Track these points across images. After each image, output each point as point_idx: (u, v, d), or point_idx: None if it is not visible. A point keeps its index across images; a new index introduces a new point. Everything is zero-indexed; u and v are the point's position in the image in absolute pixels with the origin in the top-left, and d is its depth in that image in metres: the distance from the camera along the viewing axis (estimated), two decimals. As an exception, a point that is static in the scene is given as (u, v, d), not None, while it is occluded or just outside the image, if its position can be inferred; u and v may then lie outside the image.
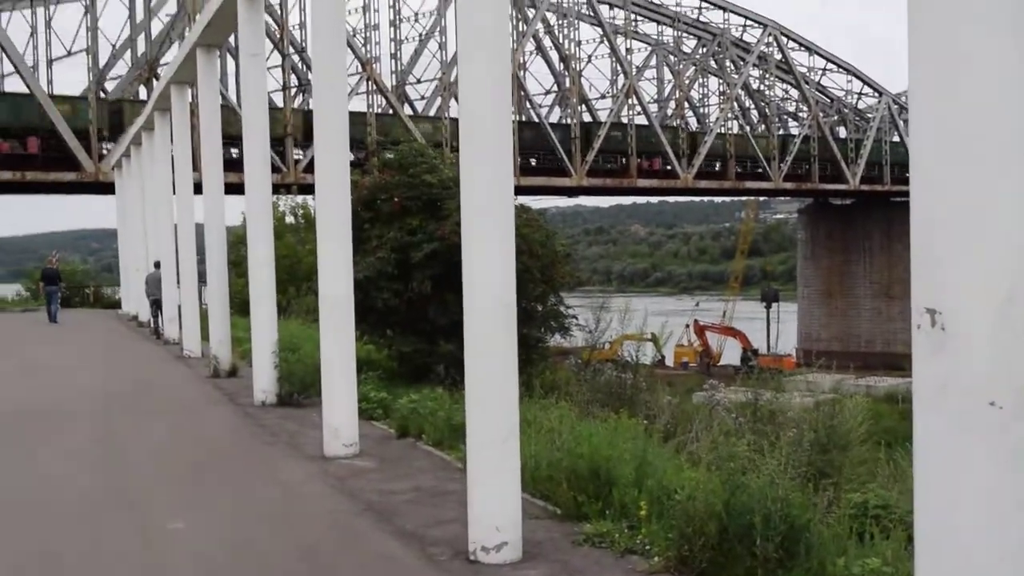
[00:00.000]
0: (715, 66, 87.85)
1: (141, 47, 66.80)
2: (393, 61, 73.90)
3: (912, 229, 3.74)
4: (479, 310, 7.33)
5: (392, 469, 10.53)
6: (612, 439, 8.96)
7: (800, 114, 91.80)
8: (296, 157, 62.36)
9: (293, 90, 66.61)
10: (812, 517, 6.90)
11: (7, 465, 11.62)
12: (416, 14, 76.87)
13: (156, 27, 67.34)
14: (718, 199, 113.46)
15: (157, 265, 29.60)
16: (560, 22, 76.69)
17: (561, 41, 76.82)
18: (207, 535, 8.43)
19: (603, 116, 79.68)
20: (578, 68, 79.06)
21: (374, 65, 66.76)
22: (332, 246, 11.02)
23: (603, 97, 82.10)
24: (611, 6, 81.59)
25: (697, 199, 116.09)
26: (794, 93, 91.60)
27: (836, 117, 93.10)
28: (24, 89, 60.71)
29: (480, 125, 7.32)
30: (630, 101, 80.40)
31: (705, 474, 7.63)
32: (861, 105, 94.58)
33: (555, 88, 78.34)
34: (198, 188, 21.80)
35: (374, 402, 13.22)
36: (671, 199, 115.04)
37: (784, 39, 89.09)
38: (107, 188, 54.75)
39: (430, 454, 11.16)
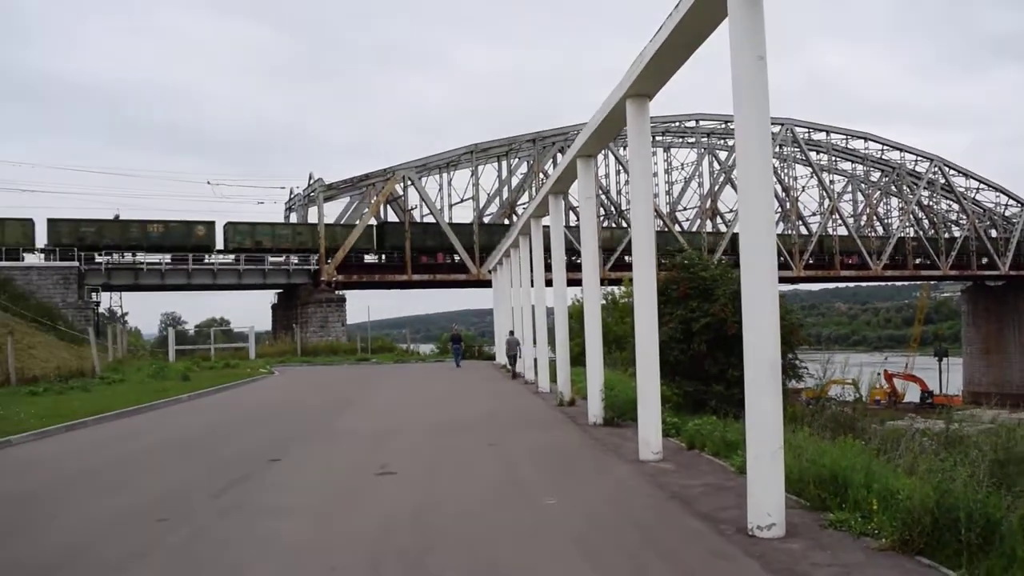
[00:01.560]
0: (895, 190, 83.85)
1: (505, 194, 69.55)
2: (667, 196, 74.48)
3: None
4: (756, 364, 7.21)
5: (686, 470, 10.35)
6: (843, 454, 8.54)
7: (960, 221, 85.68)
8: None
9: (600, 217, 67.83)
10: (1004, 515, 6.36)
11: (441, 457, 12.17)
12: (682, 164, 77.29)
13: (514, 181, 70.09)
14: (899, 283, 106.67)
15: (511, 333, 31.77)
16: (782, 164, 75.25)
17: (783, 177, 75.23)
18: (570, 508, 8.54)
19: (814, 228, 77.70)
20: (795, 195, 77.25)
21: (654, 199, 67.11)
22: (645, 321, 11.03)
23: (813, 215, 79.77)
24: (817, 152, 79.36)
25: (884, 284, 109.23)
26: (955, 206, 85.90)
27: (988, 222, 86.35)
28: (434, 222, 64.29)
29: (756, 240, 7.27)
30: (834, 217, 78.06)
31: (918, 481, 7.18)
32: (1007, 212, 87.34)
33: (779, 210, 76.45)
34: (547, 283, 22.33)
35: (669, 424, 13.03)
36: (865, 284, 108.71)
37: (946, 168, 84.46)
38: (484, 284, 56.89)
39: (711, 461, 10.89)
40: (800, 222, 77.98)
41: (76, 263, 53.52)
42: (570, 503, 8.78)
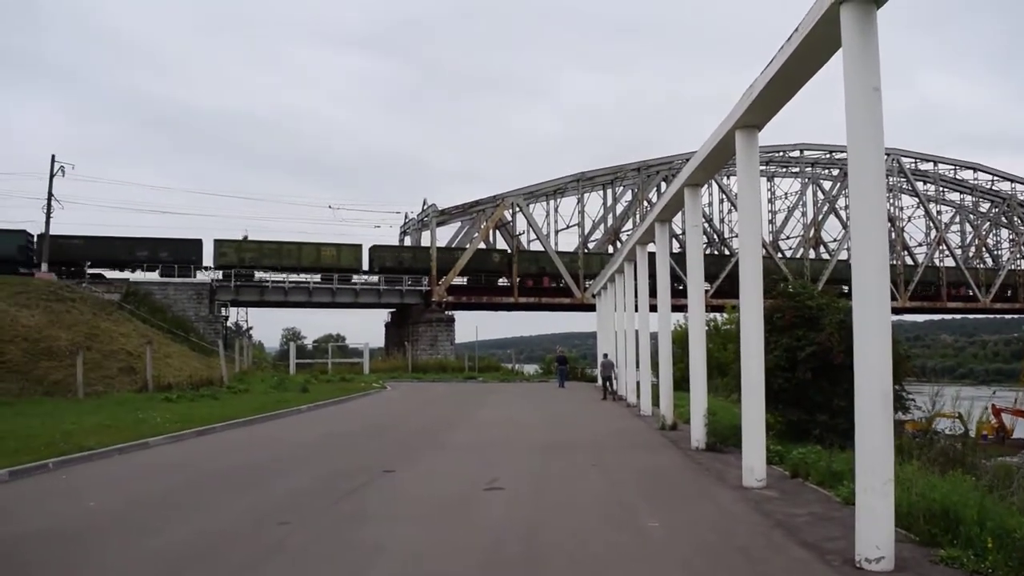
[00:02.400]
0: (1005, 221, 79.87)
1: (610, 221, 69.33)
2: (770, 225, 72.97)
3: None
4: (867, 394, 6.96)
5: (791, 499, 10.03)
6: (954, 488, 8.14)
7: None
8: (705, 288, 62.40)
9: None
10: None
11: (547, 475, 12.15)
12: (786, 193, 75.58)
13: (619, 208, 69.82)
14: (1009, 316, 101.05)
15: (605, 355, 32.52)
16: (888, 195, 72.80)
17: (888, 207, 72.86)
18: (674, 532, 8.39)
19: (920, 258, 74.83)
20: (901, 226, 74.55)
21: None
22: (752, 349, 10.78)
23: (919, 245, 76.78)
24: (924, 182, 76.49)
25: (993, 316, 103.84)
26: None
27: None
28: (542, 248, 64.54)
29: (869, 271, 7.06)
30: (941, 248, 74.95)
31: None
32: None
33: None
34: (651, 308, 22.09)
35: (772, 452, 12.63)
36: (972, 316, 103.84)
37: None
38: (587, 307, 56.77)
39: (816, 491, 10.52)
40: (906, 252, 75.27)
41: (208, 280, 56.07)
42: (674, 527, 8.63)
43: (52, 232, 53.07)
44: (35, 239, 53.95)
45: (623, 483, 11.57)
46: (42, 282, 39.91)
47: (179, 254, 56.59)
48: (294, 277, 59.61)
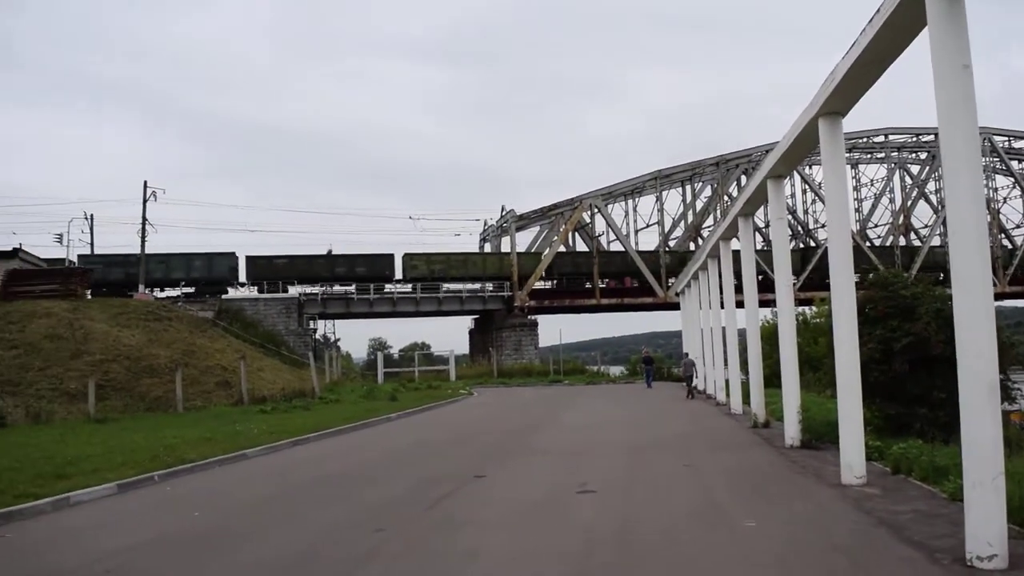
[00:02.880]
0: (1112, 195, 75.51)
1: (690, 218, 68.42)
2: (857, 213, 70.73)
3: None
4: (972, 385, 6.66)
5: (893, 496, 9.65)
6: (1069, 481, 7.73)
7: None
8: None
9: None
10: None
11: (638, 476, 12.02)
12: (871, 180, 73.32)
13: (698, 205, 68.86)
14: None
15: (686, 354, 33.09)
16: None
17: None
18: (772, 532, 8.17)
19: (1019, 241, 71.59)
20: (996, 207, 71.31)
21: (844, 218, 64.41)
22: (845, 342, 10.46)
23: (1018, 227, 73.39)
24: (1019, 160, 73.06)
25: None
26: None
27: None
28: (621, 248, 64.12)
29: (968, 256, 6.75)
30: (1042, 229, 71.62)
31: None
32: None
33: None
34: (737, 304, 21.69)
35: (871, 448, 12.19)
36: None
37: None
38: (670, 306, 56.14)
39: (919, 487, 10.10)
40: (1003, 235, 71.96)
41: (296, 295, 57.53)
42: (771, 526, 8.41)
43: (254, 253, 59.12)
44: (240, 260, 58.82)
45: (716, 483, 11.36)
46: (140, 303, 41.46)
47: (374, 268, 60.31)
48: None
